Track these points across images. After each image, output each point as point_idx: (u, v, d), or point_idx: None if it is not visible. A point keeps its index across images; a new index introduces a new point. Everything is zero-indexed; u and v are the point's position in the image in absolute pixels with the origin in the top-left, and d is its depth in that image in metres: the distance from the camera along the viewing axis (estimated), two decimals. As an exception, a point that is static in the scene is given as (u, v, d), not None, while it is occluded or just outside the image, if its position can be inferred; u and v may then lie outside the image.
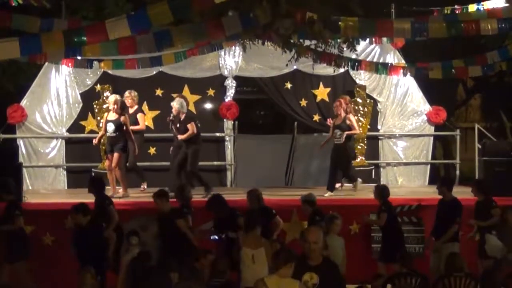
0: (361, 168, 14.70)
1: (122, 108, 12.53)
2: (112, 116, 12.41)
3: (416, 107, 14.97)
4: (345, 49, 10.48)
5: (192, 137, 12.53)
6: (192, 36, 8.88)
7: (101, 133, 12.73)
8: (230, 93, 14.68)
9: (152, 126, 14.33)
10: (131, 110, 13.11)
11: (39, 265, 10.36)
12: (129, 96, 13.15)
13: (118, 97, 12.70)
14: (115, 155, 12.38)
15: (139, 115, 13.11)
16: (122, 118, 12.38)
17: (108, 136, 12.44)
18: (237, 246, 9.26)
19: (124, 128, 12.38)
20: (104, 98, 14.25)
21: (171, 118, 12.67)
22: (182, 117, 12.59)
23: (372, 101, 14.87)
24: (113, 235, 9.57)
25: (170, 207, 9.92)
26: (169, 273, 7.70)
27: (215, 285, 7.82)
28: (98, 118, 14.24)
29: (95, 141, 12.77)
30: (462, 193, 13.16)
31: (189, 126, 12.50)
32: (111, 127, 12.34)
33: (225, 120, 14.48)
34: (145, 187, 13.21)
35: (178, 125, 12.62)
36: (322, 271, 6.56)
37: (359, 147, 14.80)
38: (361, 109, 14.78)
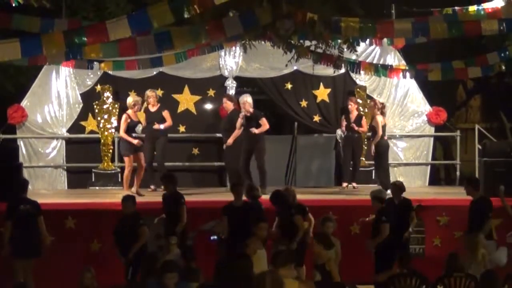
0: (361, 169, 14.71)
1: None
2: (136, 116, 12.76)
3: (417, 107, 14.97)
4: (345, 49, 10.48)
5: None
6: (192, 37, 8.87)
7: (122, 133, 12.72)
8: (231, 94, 14.67)
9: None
10: (153, 109, 13.16)
11: (39, 265, 10.34)
12: (153, 95, 13.20)
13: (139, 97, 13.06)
14: (143, 154, 12.66)
15: (165, 112, 13.18)
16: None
17: (137, 136, 12.81)
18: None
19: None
20: (104, 98, 14.25)
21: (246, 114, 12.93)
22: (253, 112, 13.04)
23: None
24: (145, 230, 9.59)
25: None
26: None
27: (212, 285, 7.79)
28: (98, 118, 14.24)
29: (138, 142, 12.74)
30: (462, 194, 13.17)
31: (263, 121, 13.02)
32: (140, 128, 12.77)
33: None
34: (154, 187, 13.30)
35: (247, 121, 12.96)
36: None
37: (359, 147, 14.82)
38: (361, 109, 14.77)
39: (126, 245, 9.50)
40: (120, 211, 9.90)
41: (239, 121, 13.03)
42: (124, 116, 12.79)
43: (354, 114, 14.01)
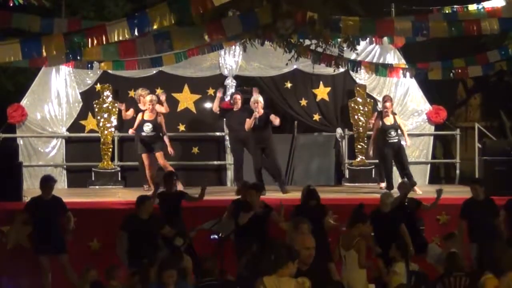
0: (361, 168, 14.72)
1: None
2: (148, 115, 12.70)
3: (416, 106, 14.96)
4: (345, 48, 10.48)
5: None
6: (192, 38, 8.87)
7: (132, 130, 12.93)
8: (230, 93, 14.67)
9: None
10: (150, 114, 12.98)
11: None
12: (154, 101, 12.99)
13: (154, 96, 12.97)
14: (159, 154, 12.67)
15: (160, 118, 13.09)
16: (159, 119, 12.77)
17: (145, 135, 12.68)
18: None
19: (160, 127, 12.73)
20: (104, 97, 14.25)
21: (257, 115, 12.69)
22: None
23: (372, 100, 14.87)
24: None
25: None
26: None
27: (208, 285, 7.80)
28: (98, 117, 14.24)
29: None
30: (462, 192, 13.17)
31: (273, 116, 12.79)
32: (148, 127, 12.64)
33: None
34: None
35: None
36: (314, 276, 6.64)
37: (359, 146, 14.82)
38: (361, 108, 14.78)
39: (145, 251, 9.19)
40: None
41: (251, 121, 12.71)
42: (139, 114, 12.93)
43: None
